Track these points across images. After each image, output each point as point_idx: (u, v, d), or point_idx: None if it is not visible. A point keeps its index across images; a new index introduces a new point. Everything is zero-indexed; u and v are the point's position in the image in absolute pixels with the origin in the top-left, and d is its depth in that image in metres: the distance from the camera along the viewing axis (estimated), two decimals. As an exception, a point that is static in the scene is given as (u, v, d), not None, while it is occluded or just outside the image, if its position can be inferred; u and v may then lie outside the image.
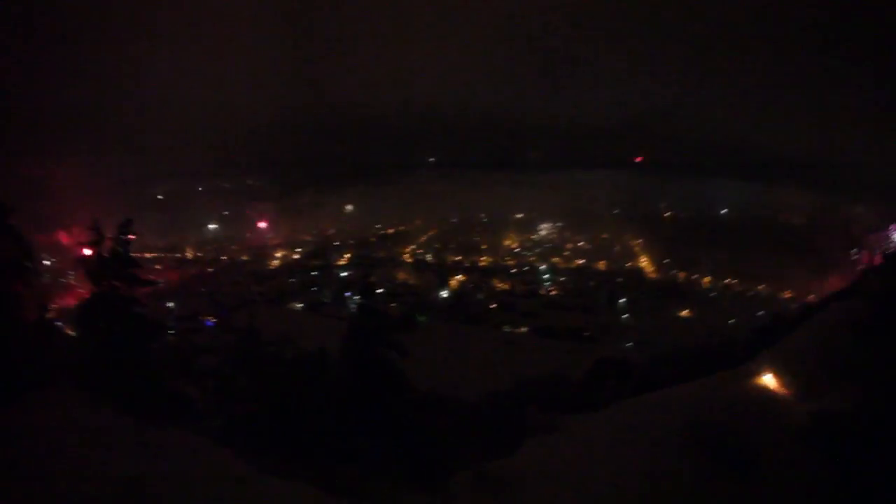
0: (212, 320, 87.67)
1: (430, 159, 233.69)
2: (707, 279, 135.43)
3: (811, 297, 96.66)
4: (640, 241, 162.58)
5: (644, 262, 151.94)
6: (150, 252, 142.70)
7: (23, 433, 9.13)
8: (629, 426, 10.67)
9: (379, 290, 68.48)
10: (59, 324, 18.34)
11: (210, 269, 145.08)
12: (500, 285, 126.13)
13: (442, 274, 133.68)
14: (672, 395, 12.28)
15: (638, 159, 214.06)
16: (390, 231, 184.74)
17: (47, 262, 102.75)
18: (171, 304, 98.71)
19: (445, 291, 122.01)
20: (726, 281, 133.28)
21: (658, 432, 9.84)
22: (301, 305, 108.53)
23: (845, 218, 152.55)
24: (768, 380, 11.47)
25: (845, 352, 11.57)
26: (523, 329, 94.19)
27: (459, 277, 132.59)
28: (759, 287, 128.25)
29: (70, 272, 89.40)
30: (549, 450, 11.35)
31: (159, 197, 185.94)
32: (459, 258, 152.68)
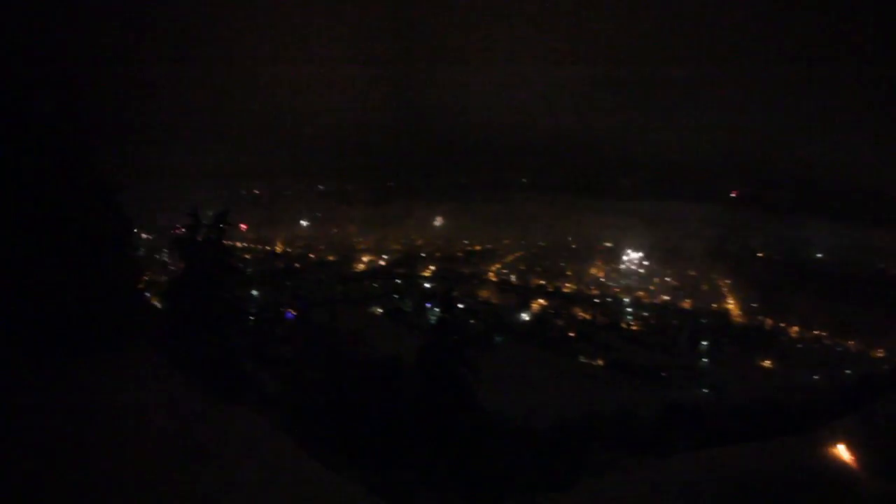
0: (292, 313, 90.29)
1: (523, 180, 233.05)
2: (795, 329, 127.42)
3: None
4: (728, 281, 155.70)
5: (731, 305, 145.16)
6: (243, 242, 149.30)
7: (100, 387, 9.69)
8: (689, 479, 10.13)
9: (460, 305, 68.73)
10: (148, 295, 19.40)
11: (297, 265, 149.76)
12: (582, 314, 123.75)
13: (524, 296, 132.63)
14: (741, 452, 11.53)
15: (733, 194, 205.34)
16: (477, 248, 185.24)
17: (147, 237, 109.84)
18: (255, 293, 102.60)
19: (526, 314, 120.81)
20: (815, 332, 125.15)
21: (723, 490, 9.28)
22: (381, 311, 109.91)
23: None
24: (843, 451, 10.47)
25: None
26: (599, 361, 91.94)
27: (541, 301, 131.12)
28: (850, 343, 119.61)
29: (165, 250, 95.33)
30: (604, 491, 10.97)
31: (256, 192, 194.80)
32: (543, 282, 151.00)
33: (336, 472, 12.07)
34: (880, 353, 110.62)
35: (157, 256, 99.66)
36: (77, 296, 11.41)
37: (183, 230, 19.57)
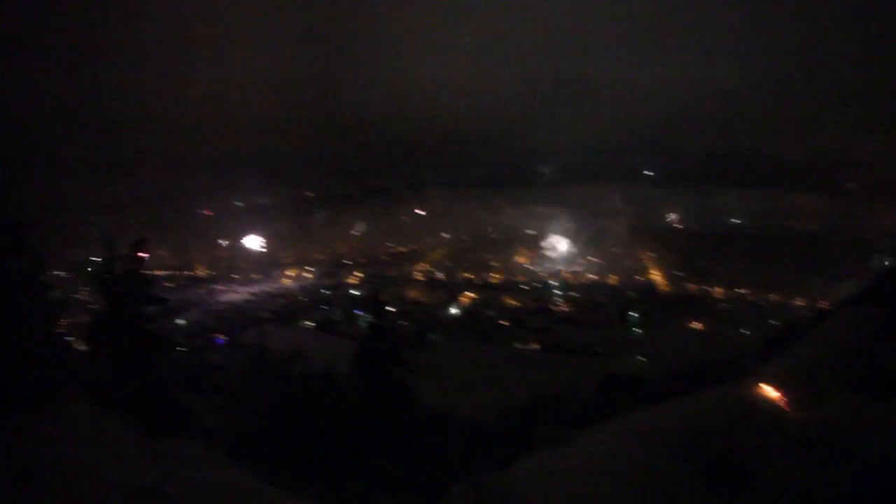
0: (222, 338, 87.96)
1: (441, 178, 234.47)
2: (719, 290, 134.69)
3: (824, 305, 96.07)
4: (651, 254, 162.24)
5: (655, 276, 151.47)
6: (162, 270, 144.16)
7: (30, 441, 9.29)
8: (630, 436, 10.66)
9: (390, 309, 68.64)
10: (70, 339, 18.55)
11: (221, 287, 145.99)
12: (511, 302, 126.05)
13: (453, 292, 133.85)
14: (674, 405, 12.26)
15: (648, 172, 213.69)
16: (402, 250, 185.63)
17: (61, 276, 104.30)
18: (181, 322, 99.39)
19: (456, 309, 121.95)
20: (738, 291, 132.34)
21: (658, 441, 9.84)
22: (312, 324, 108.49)
23: (858, 222, 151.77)
24: (769, 389, 11.38)
25: (852, 359, 11.43)
26: (534, 346, 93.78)
27: (470, 294, 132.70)
28: (772, 296, 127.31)
29: (82, 288, 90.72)
30: (548, 461, 11.35)
31: (171, 215, 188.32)
32: (470, 275, 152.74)
33: (292, 492, 11.98)
34: (801, 303, 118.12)
35: (76, 296, 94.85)
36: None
37: (99, 264, 18.83)
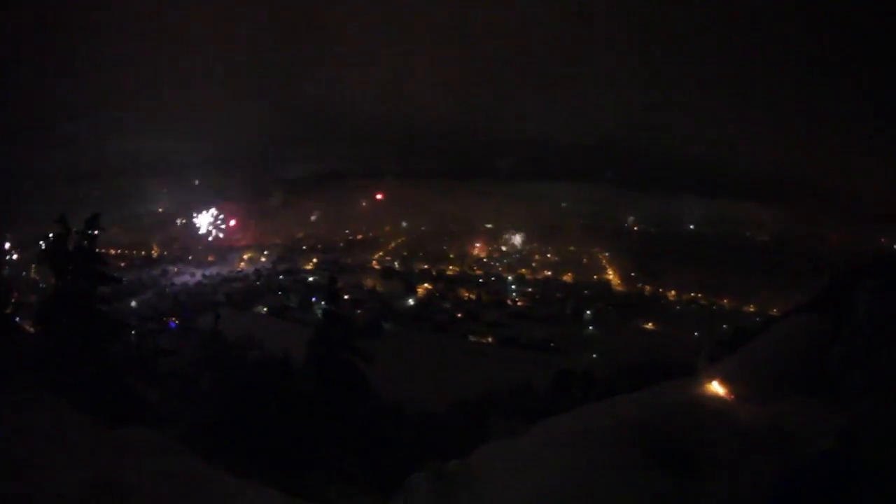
0: (175, 321, 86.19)
1: (401, 166, 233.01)
2: (672, 293, 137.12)
3: (774, 311, 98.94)
4: (607, 254, 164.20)
5: (611, 275, 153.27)
6: (115, 248, 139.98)
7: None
8: (582, 428, 10.96)
9: (345, 297, 67.99)
10: (18, 319, 17.90)
11: (175, 269, 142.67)
12: (467, 295, 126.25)
13: (409, 282, 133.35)
14: (626, 399, 12.68)
15: (608, 173, 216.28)
16: (359, 237, 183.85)
17: (11, 257, 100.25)
18: (133, 304, 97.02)
19: (412, 299, 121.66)
20: (691, 295, 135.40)
21: (615, 431, 10.16)
22: (266, 309, 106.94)
23: (809, 234, 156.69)
24: (718, 385, 11.98)
25: (797, 362, 12.04)
26: (489, 339, 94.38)
27: (426, 286, 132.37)
28: (724, 301, 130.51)
29: (33, 266, 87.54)
30: (507, 449, 11.61)
31: (125, 191, 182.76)
32: (427, 267, 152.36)
33: (247, 479, 11.85)
34: (752, 309, 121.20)
35: (25, 274, 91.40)
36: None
37: (51, 240, 18.16)
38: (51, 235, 18.72)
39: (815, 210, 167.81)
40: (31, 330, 19.15)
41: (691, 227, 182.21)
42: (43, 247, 18.35)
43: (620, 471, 9.09)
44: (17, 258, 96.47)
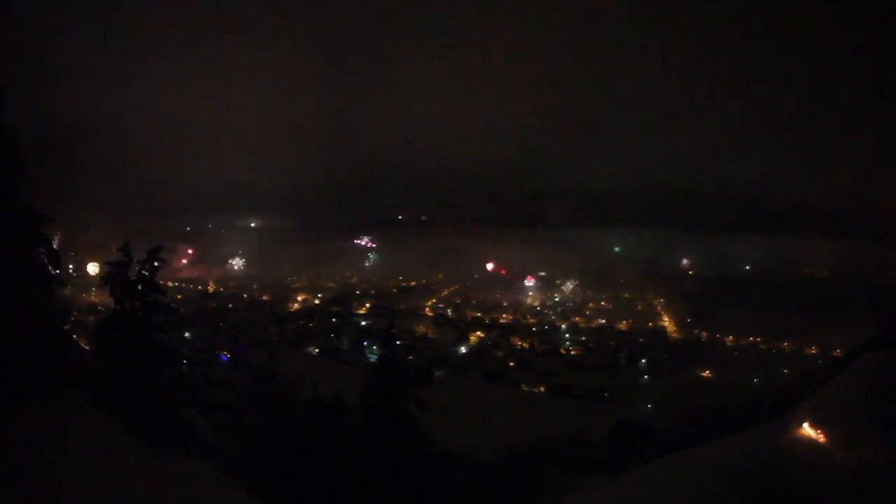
0: (226, 355, 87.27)
1: (455, 214, 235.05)
2: (730, 338, 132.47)
3: (837, 352, 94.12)
4: (662, 300, 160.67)
5: (666, 322, 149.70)
6: (174, 281, 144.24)
7: (29, 436, 8.75)
8: (677, 475, 10.20)
9: (397, 342, 67.67)
10: (75, 337, 18.14)
11: (230, 305, 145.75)
12: (520, 343, 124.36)
13: (462, 329, 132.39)
14: (723, 442, 11.95)
15: (662, 217, 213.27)
16: (412, 283, 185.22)
17: (73, 274, 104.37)
18: (187, 335, 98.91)
19: (464, 347, 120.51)
20: (750, 339, 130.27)
21: (705, 480, 9.44)
22: (318, 350, 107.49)
23: (871, 267, 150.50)
24: (807, 430, 11.21)
25: (881, 401, 11.42)
26: (541, 388, 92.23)
27: (479, 334, 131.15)
28: (784, 344, 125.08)
29: (94, 289, 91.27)
30: (598, 500, 10.97)
31: (188, 229, 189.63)
32: (479, 314, 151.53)
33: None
34: (814, 351, 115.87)
35: (85, 296, 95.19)
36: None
37: (115, 267, 18.43)
38: (114, 261, 19.00)
39: (873, 242, 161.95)
40: (87, 349, 19.36)
41: (747, 267, 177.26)
42: (106, 271, 18.54)
43: None
44: (80, 277, 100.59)
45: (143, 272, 19.06)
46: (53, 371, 11.29)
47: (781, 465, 9.77)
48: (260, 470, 18.88)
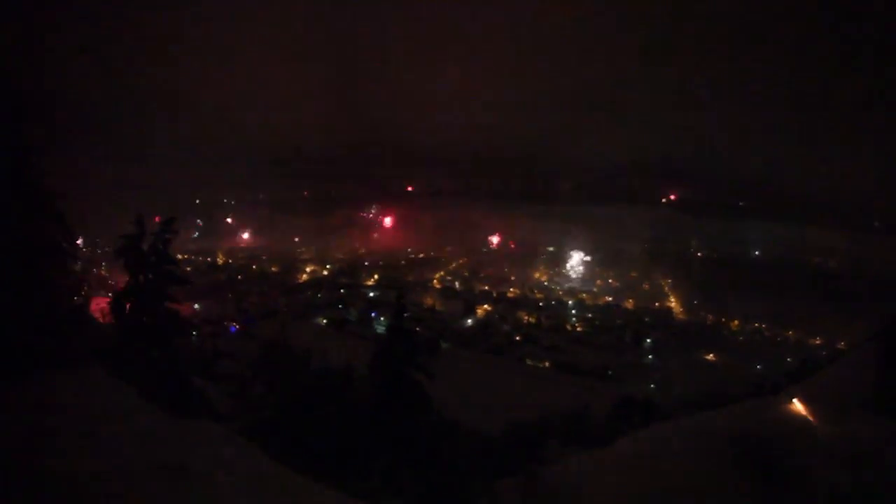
0: (235, 326, 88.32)
1: (465, 188, 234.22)
2: (736, 323, 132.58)
3: (841, 344, 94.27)
4: (669, 280, 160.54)
5: (672, 303, 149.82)
6: (183, 254, 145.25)
7: (52, 406, 9.15)
8: (674, 437, 10.77)
9: (405, 314, 68.13)
10: (90, 311, 18.53)
11: (239, 277, 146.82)
12: (527, 318, 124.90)
13: (469, 302, 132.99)
14: (718, 412, 12.55)
15: (672, 197, 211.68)
16: (421, 256, 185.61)
17: (85, 250, 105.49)
18: (197, 306, 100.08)
19: (471, 320, 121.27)
20: (755, 325, 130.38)
21: (700, 442, 10.00)
22: (326, 321, 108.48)
23: (882, 261, 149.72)
24: (798, 405, 11.77)
25: (874, 386, 11.99)
26: (546, 363, 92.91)
27: (486, 307, 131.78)
28: (789, 333, 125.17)
29: (104, 263, 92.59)
30: (599, 457, 11.53)
31: (197, 201, 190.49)
32: (487, 288, 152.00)
33: (311, 478, 11.83)
34: (818, 341, 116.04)
35: (95, 270, 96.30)
36: (16, 309, 10.77)
37: (127, 238, 18.76)
38: (128, 233, 19.31)
39: (886, 235, 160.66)
40: (101, 321, 19.77)
41: (756, 252, 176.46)
42: (119, 244, 18.87)
43: (710, 477, 9.09)
44: (91, 252, 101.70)
45: (157, 244, 19.36)
46: (70, 344, 11.67)
47: (770, 433, 10.27)
48: (271, 435, 19.42)
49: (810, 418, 11.31)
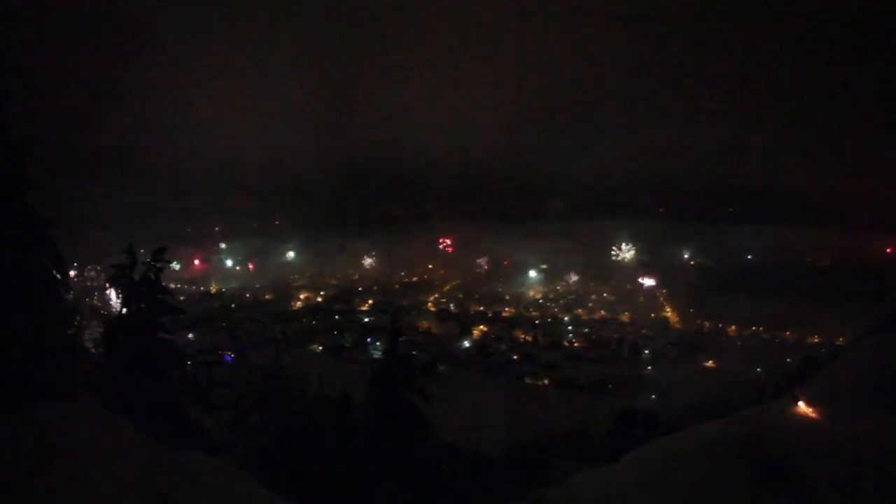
0: (230, 355, 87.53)
1: (455, 211, 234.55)
2: (733, 328, 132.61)
3: (840, 341, 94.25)
4: (664, 290, 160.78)
5: (669, 313, 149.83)
6: (176, 282, 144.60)
7: (43, 438, 8.92)
8: (685, 447, 10.57)
9: (401, 338, 67.69)
10: (82, 340, 18.35)
11: (232, 305, 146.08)
12: (523, 336, 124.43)
13: (464, 324, 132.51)
14: (724, 421, 12.35)
15: (661, 209, 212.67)
16: (414, 279, 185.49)
17: (76, 279, 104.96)
18: (190, 336, 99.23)
19: (467, 341, 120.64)
20: (752, 329, 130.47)
21: (714, 450, 9.79)
22: (321, 348, 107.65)
23: (873, 256, 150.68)
24: (804, 407, 11.59)
25: (879, 381, 11.82)
26: (544, 381, 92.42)
27: (482, 327, 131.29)
28: (787, 333, 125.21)
29: (96, 292, 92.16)
30: (606, 473, 11.27)
31: (188, 230, 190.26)
32: (482, 308, 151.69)
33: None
34: (817, 340, 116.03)
35: (87, 300, 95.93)
36: (7, 339, 10.56)
37: (118, 268, 18.58)
38: (118, 264, 19.14)
39: (876, 230, 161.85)
40: (94, 351, 19.54)
41: (749, 257, 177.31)
42: (111, 273, 18.69)
43: (726, 485, 8.88)
44: (83, 282, 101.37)
45: (148, 274, 19.18)
46: (63, 374, 11.44)
47: (778, 440, 10.10)
48: (268, 465, 19.09)
49: (818, 420, 11.15)
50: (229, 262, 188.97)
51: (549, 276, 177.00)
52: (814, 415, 11.38)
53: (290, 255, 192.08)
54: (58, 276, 13.14)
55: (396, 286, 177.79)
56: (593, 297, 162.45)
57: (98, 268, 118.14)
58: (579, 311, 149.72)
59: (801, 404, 11.65)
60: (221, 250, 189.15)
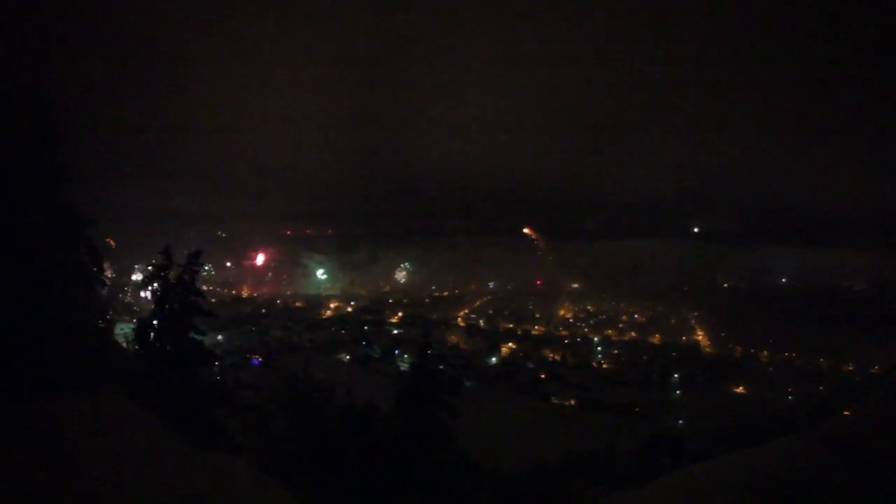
0: (258, 359, 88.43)
1: (490, 225, 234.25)
2: (765, 353, 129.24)
3: (876, 369, 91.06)
4: (696, 313, 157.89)
5: (700, 336, 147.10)
6: (208, 285, 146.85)
7: (75, 429, 9.04)
8: (709, 480, 10.15)
9: (429, 352, 67.50)
10: (115, 337, 18.68)
11: (263, 311, 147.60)
12: (552, 355, 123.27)
13: (493, 340, 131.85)
14: (749, 453, 11.84)
15: (695, 229, 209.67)
16: (445, 294, 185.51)
17: (111, 275, 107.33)
18: (220, 338, 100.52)
19: (495, 358, 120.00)
20: (785, 354, 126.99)
21: (738, 486, 9.38)
22: (349, 357, 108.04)
23: None
24: (839, 442, 11.01)
25: None
26: (572, 402, 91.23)
27: (511, 345, 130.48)
28: (820, 360, 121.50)
29: (128, 289, 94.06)
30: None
31: (222, 234, 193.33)
32: (512, 325, 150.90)
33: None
34: (851, 367, 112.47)
35: (121, 297, 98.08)
36: (41, 331, 10.75)
37: (155, 268, 18.92)
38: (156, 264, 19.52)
39: None
40: (125, 347, 19.85)
41: (783, 280, 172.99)
42: (146, 274, 19.09)
43: None
44: (118, 279, 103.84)
45: (184, 276, 19.52)
46: (95, 368, 11.62)
47: (802, 480, 9.64)
48: (291, 470, 19.10)
49: (847, 461, 10.60)
50: (262, 268, 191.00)
51: (580, 296, 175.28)
52: (845, 455, 10.82)
53: (323, 264, 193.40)
54: (93, 271, 13.40)
55: (427, 299, 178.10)
56: (624, 317, 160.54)
57: (136, 266, 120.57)
58: (609, 331, 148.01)
59: (835, 439, 11.12)
60: (255, 256, 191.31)
